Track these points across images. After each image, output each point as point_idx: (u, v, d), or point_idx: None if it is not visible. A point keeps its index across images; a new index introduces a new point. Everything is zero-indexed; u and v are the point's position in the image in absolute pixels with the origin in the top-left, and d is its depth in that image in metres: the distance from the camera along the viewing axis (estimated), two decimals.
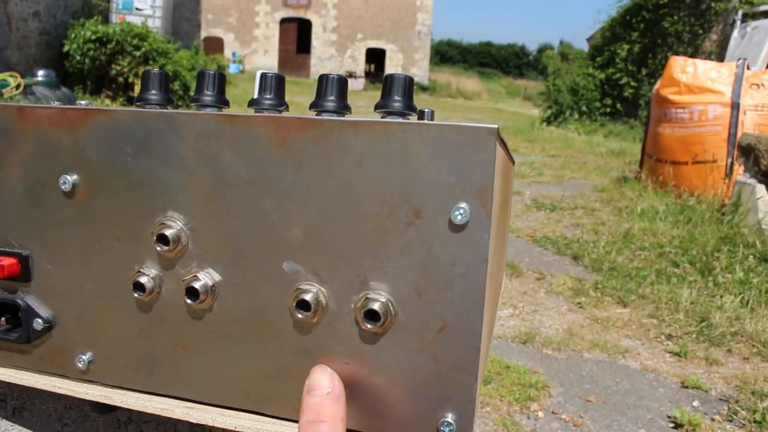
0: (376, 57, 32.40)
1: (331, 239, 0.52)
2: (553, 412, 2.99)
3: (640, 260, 5.16)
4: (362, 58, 31.84)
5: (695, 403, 3.10)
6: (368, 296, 0.51)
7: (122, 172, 0.56)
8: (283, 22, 31.48)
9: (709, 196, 6.43)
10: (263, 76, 0.54)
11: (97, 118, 0.56)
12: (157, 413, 0.60)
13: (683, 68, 6.99)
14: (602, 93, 16.96)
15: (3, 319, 0.65)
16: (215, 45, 29.41)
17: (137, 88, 12.24)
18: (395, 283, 0.51)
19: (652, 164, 7.53)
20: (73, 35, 12.06)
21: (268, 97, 0.54)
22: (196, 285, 0.54)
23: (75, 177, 0.57)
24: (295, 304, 0.52)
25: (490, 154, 0.48)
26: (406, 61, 31.74)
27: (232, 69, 25.70)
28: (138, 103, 0.57)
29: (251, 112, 0.54)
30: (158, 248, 0.55)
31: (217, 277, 0.55)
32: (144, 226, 0.56)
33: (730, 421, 2.93)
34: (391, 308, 0.51)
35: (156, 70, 0.57)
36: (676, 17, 15.11)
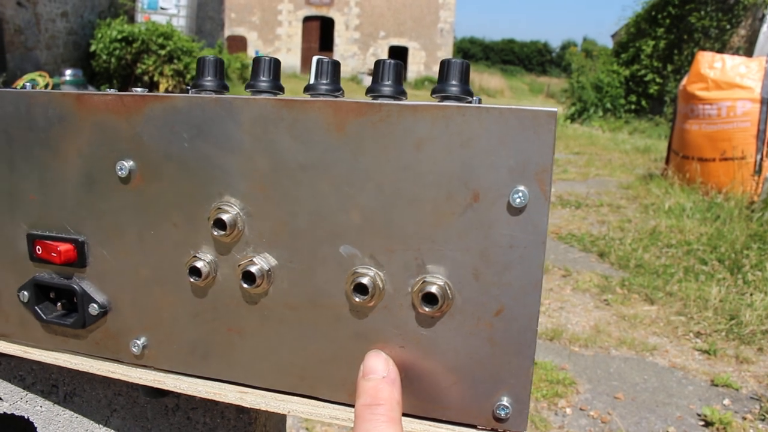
0: (398, 55, 32.35)
1: (388, 223, 0.52)
2: (581, 409, 2.97)
3: (667, 257, 5.11)
4: (385, 55, 31.76)
5: (726, 402, 3.07)
6: (426, 279, 0.51)
7: (178, 158, 0.56)
8: (306, 20, 31.55)
9: (738, 193, 6.35)
10: (319, 61, 0.54)
11: (154, 104, 0.56)
12: (210, 398, 0.61)
13: (711, 64, 6.90)
14: (627, 90, 16.80)
15: (59, 304, 0.66)
16: (238, 43, 29.54)
17: (162, 87, 12.36)
18: (453, 266, 0.51)
19: (679, 161, 7.45)
20: (99, 35, 12.20)
21: (324, 82, 0.54)
22: (252, 269, 0.55)
23: (131, 163, 0.58)
24: (352, 287, 0.53)
25: (550, 137, 0.48)
26: (429, 58, 31.70)
27: None
28: (193, 90, 0.58)
29: (307, 97, 0.54)
30: (215, 233, 0.55)
31: (273, 261, 0.55)
32: (200, 211, 0.57)
33: (762, 419, 2.89)
34: (449, 291, 0.51)
35: (211, 56, 0.57)
36: (703, 12, 14.92)
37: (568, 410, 2.96)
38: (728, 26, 14.78)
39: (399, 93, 0.52)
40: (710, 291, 4.30)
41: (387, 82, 0.52)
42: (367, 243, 0.53)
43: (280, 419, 0.86)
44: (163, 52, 12.41)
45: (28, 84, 0.67)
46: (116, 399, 0.77)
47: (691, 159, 7.17)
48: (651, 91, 16.20)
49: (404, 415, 0.55)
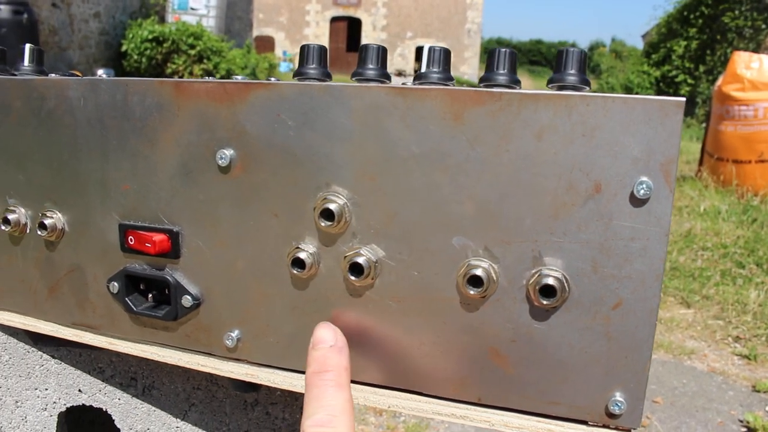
0: None
1: (505, 214, 0.50)
2: None
3: (703, 260, 5.03)
4: (412, 56, 31.65)
5: None
6: (542, 272, 0.50)
7: (283, 147, 0.55)
8: (333, 20, 31.59)
9: None
10: (431, 50, 0.53)
11: (258, 91, 0.55)
12: (304, 392, 0.60)
13: (748, 64, 6.79)
14: (657, 91, 16.61)
15: (149, 296, 0.65)
16: (266, 44, 29.62)
17: None
18: (571, 258, 0.50)
19: (713, 163, 7.34)
20: (130, 35, 12.32)
21: (435, 70, 0.53)
22: (360, 261, 0.53)
23: (232, 152, 0.57)
24: (465, 280, 0.51)
25: (676, 127, 0.46)
26: (456, 59, 31.56)
27: (283, 67, 25.84)
28: (296, 78, 0.57)
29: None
30: (322, 224, 0.54)
31: (380, 252, 0.54)
32: (304, 202, 0.56)
33: None
34: (566, 284, 0.50)
35: (315, 44, 0.56)
36: (737, 12, 14.68)
37: None
38: (763, 26, 14.52)
39: (514, 82, 0.51)
40: (749, 295, 4.23)
41: (502, 71, 0.51)
42: (481, 235, 0.51)
43: None
44: (192, 52, 12.50)
45: None
46: (195, 393, 0.76)
47: (726, 161, 7.07)
48: (682, 92, 15.98)
49: (510, 410, 0.54)
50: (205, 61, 12.69)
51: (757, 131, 6.65)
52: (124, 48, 12.33)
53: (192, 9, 14.12)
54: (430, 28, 31.36)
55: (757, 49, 13.86)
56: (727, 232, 5.60)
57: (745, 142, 6.79)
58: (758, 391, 3.17)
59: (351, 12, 31.38)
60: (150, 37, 12.22)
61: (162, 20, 13.64)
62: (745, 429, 2.84)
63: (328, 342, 0.54)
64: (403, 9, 31.32)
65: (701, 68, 15.65)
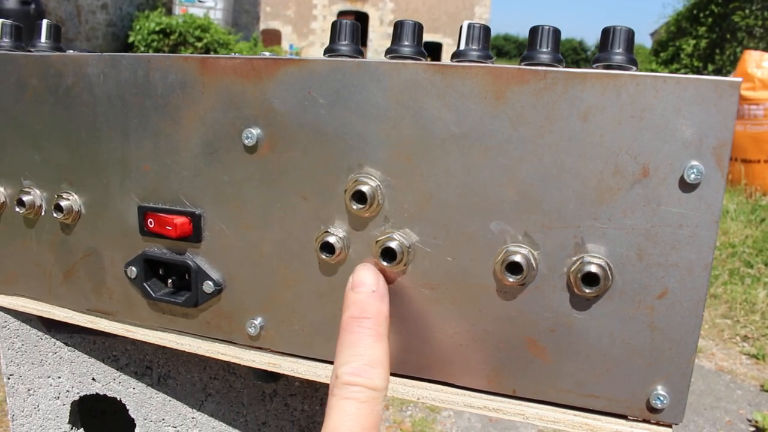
0: (432, 50, 32.20)
1: (547, 198, 0.48)
2: None
3: None
4: None
5: None
6: (584, 259, 0.48)
7: (313, 125, 0.53)
8: (341, 14, 31.49)
9: None
10: (470, 26, 0.50)
11: (288, 68, 0.53)
12: (329, 382, 0.58)
13: (759, 63, 6.74)
14: None
15: (169, 281, 0.63)
16: (273, 37, 29.56)
17: None
18: (615, 245, 0.47)
19: None
20: (137, 27, 12.33)
21: (475, 48, 0.50)
22: (392, 245, 0.51)
23: (259, 131, 0.55)
24: (503, 267, 0.49)
25: (731, 110, 0.44)
26: None
27: None
28: (327, 54, 0.54)
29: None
30: (353, 206, 0.52)
31: (414, 237, 0.52)
32: (335, 183, 0.53)
33: None
34: (609, 272, 0.47)
35: (347, 20, 0.54)
36: (747, 11, 14.57)
37: None
38: None
39: (557, 61, 0.49)
40: (757, 294, 4.20)
41: (545, 49, 0.49)
42: (521, 219, 0.49)
43: None
44: (199, 45, 12.51)
45: None
46: (211, 383, 0.74)
47: (734, 160, 7.02)
48: None
49: (545, 403, 0.52)
50: (211, 53, 12.69)
51: (766, 131, 6.60)
52: (131, 39, 12.34)
53: (199, 1, 14.12)
54: (437, 23, 31.29)
55: (767, 49, 13.79)
56: (736, 231, 5.57)
57: (754, 141, 6.75)
58: (766, 391, 3.15)
59: (358, 6, 31.32)
60: (157, 29, 12.24)
61: (169, 12, 13.64)
62: (753, 428, 2.82)
63: (369, 286, 0.50)
64: (411, 4, 31.27)
65: (710, 67, 15.55)
